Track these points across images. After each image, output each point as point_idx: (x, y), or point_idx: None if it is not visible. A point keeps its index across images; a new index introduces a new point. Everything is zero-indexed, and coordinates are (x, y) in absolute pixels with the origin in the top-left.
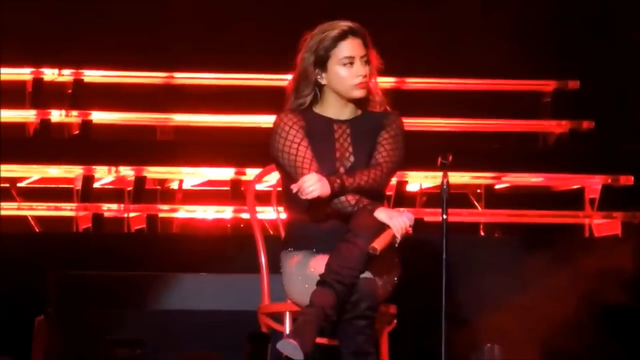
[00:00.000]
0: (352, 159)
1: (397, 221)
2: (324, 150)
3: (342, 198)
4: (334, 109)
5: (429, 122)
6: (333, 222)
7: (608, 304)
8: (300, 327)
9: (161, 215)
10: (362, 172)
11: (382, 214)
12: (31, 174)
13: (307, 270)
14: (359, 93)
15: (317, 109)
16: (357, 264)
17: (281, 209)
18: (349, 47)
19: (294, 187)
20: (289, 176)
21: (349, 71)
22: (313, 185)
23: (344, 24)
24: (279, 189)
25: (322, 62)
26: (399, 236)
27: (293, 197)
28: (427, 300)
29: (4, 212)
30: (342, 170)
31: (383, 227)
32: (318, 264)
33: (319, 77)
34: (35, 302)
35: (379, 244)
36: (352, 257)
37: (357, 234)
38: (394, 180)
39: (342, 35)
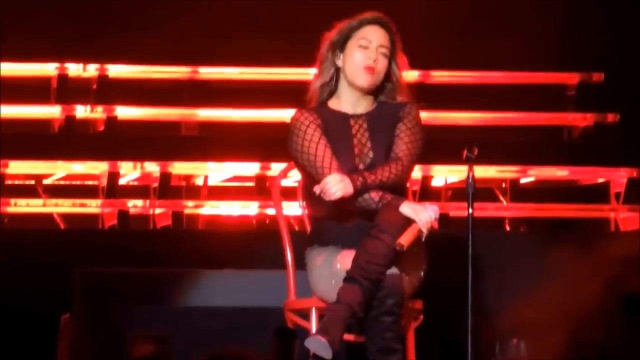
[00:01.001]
0: (371, 154)
1: (423, 215)
2: (342, 147)
3: (366, 195)
4: (349, 102)
5: (453, 115)
6: (358, 218)
7: (633, 294)
8: (328, 324)
9: (186, 211)
10: (384, 168)
11: (407, 208)
12: (56, 170)
13: (333, 267)
14: (364, 79)
15: (333, 104)
16: (384, 259)
17: (304, 205)
18: (370, 32)
19: (317, 189)
20: (309, 175)
21: (362, 53)
22: (336, 186)
23: (376, 13)
24: (302, 185)
25: (343, 42)
26: (425, 230)
27: (315, 195)
28: (453, 295)
29: (30, 209)
30: (361, 166)
31: (408, 221)
32: (344, 260)
33: (337, 58)
34: (61, 299)
35: (405, 239)
36: (379, 252)
37: (383, 229)
38: (419, 175)
39: (369, 20)
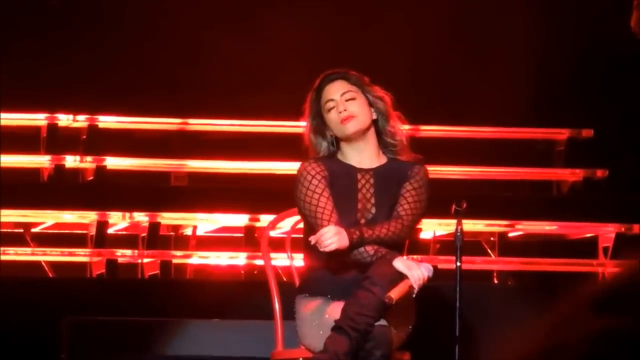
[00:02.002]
0: (373, 210)
1: (416, 272)
2: (346, 201)
3: (361, 249)
4: (353, 157)
5: (443, 169)
6: (351, 270)
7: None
8: None
9: (175, 261)
10: (382, 225)
11: (400, 264)
12: (45, 219)
13: (322, 317)
14: (348, 129)
15: (341, 157)
16: (373, 311)
17: (295, 255)
18: (329, 91)
19: (312, 239)
20: (310, 225)
21: (333, 112)
22: (331, 238)
23: (327, 73)
24: (294, 235)
25: (320, 117)
26: (416, 287)
27: (313, 246)
28: (440, 347)
29: (18, 257)
30: (363, 221)
31: (401, 276)
32: (334, 310)
33: (328, 132)
34: (49, 347)
35: (395, 293)
36: (369, 304)
37: (375, 282)
38: None
39: (321, 85)
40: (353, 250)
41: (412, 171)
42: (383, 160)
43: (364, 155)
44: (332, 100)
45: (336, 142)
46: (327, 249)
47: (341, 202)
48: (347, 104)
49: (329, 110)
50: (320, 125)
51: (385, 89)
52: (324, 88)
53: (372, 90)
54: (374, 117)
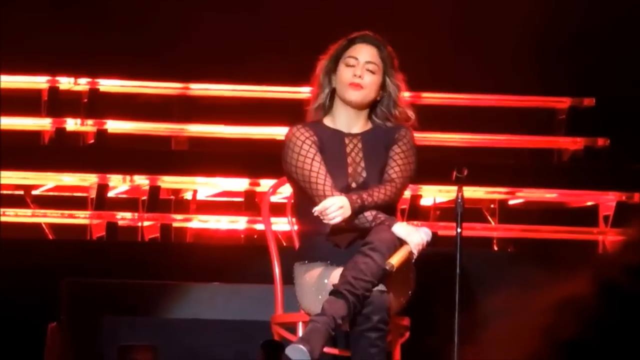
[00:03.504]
0: (364, 174)
1: (415, 237)
2: (336, 165)
3: (360, 215)
4: (343, 121)
5: (444, 137)
6: (348, 235)
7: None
8: (309, 333)
9: (175, 224)
10: (379, 189)
11: (400, 229)
12: (46, 181)
13: (321, 282)
14: (351, 95)
15: (329, 122)
16: (372, 277)
17: (295, 220)
18: (357, 49)
19: (316, 211)
20: (302, 190)
21: (348, 71)
22: (336, 212)
23: (366, 32)
24: (293, 201)
25: (335, 62)
26: (416, 252)
27: (307, 211)
28: (440, 313)
29: (18, 219)
30: (354, 185)
31: (400, 242)
32: (333, 276)
33: (332, 80)
34: (48, 309)
35: (395, 260)
36: (368, 270)
37: (375, 247)
38: (408, 194)
39: (357, 39)
40: (354, 217)
41: (399, 134)
42: (369, 125)
43: (352, 120)
44: (355, 59)
45: (330, 97)
46: (333, 222)
47: (331, 167)
48: (365, 72)
49: (347, 65)
50: (332, 70)
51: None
52: (356, 43)
53: (394, 74)
54: (379, 98)
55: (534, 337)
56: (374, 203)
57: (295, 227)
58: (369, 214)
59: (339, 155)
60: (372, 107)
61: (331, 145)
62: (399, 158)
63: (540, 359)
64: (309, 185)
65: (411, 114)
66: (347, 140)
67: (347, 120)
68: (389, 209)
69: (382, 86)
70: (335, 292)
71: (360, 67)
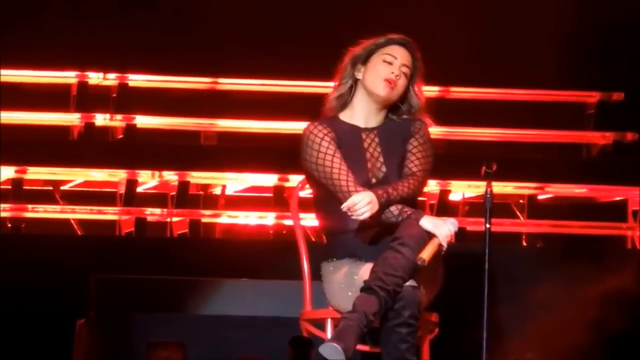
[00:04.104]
0: (383, 169)
1: (443, 229)
2: (355, 161)
3: (386, 209)
4: (362, 115)
5: (472, 131)
6: (376, 231)
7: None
8: (342, 331)
9: (204, 220)
10: (403, 183)
11: (427, 222)
12: (75, 177)
13: (350, 278)
14: (383, 89)
15: (345, 117)
16: (403, 272)
17: (317, 218)
18: (396, 50)
19: (344, 207)
20: (323, 187)
21: (386, 67)
22: (364, 207)
23: (403, 35)
24: (313, 198)
25: (367, 56)
26: (445, 244)
27: (331, 208)
28: (468, 309)
29: (47, 215)
30: (374, 180)
31: (428, 235)
32: (362, 272)
33: (357, 71)
34: (77, 305)
35: (426, 254)
36: (398, 265)
37: (404, 242)
38: (437, 189)
39: (396, 41)
40: (381, 212)
41: (415, 127)
42: (384, 119)
43: (373, 116)
44: (395, 57)
45: (351, 96)
46: (362, 217)
47: (350, 163)
48: (400, 73)
49: (384, 62)
50: (360, 63)
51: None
52: (395, 44)
53: (417, 84)
54: (398, 102)
55: (566, 331)
56: (399, 197)
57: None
58: (394, 209)
59: (357, 150)
60: (390, 108)
61: (349, 141)
62: (417, 151)
63: (567, 351)
64: (332, 182)
65: (429, 122)
66: (364, 135)
67: (365, 116)
68: (411, 202)
69: (405, 92)
70: (366, 288)
71: (398, 67)
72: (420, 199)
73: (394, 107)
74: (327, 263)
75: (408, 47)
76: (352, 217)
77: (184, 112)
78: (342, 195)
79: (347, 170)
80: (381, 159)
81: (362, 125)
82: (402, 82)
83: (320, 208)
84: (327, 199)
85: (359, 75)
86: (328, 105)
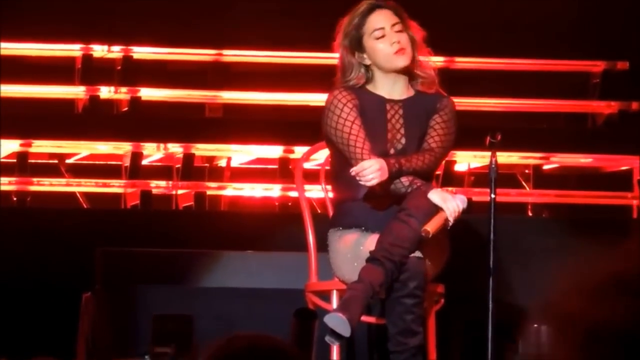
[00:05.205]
0: (403, 141)
1: (451, 204)
2: (376, 130)
3: (397, 180)
4: (385, 87)
5: (477, 101)
6: (384, 201)
7: None
8: (348, 301)
9: (209, 192)
10: (418, 156)
11: (436, 196)
12: (80, 150)
13: (357, 249)
14: (401, 61)
15: (371, 87)
16: (409, 243)
17: (329, 187)
18: (377, 19)
19: (353, 171)
20: (340, 154)
21: (384, 42)
22: (373, 173)
23: (365, 1)
24: (327, 167)
25: (358, 42)
26: (451, 219)
27: (343, 176)
28: (474, 279)
29: (52, 188)
30: (392, 151)
31: (436, 208)
32: (369, 242)
33: (360, 59)
34: (83, 278)
35: (431, 227)
36: (404, 236)
37: (411, 214)
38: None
39: (369, 10)
40: (391, 182)
41: (442, 104)
42: (411, 92)
43: (395, 87)
44: (382, 28)
45: (367, 71)
46: (369, 184)
47: (371, 132)
48: (397, 35)
49: (378, 38)
50: (355, 49)
51: (420, 21)
52: (371, 14)
53: (410, 25)
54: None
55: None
56: (412, 169)
57: (330, 194)
58: (405, 180)
59: (379, 120)
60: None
61: (372, 110)
62: (439, 128)
63: (573, 320)
64: (347, 147)
65: (432, 64)
66: (388, 107)
67: (387, 88)
68: (426, 177)
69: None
70: (372, 259)
71: (392, 34)
72: None
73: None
74: (334, 231)
75: (382, 6)
76: (360, 183)
77: (188, 84)
78: (355, 161)
79: (365, 137)
80: (402, 131)
81: (387, 96)
82: (404, 39)
83: (335, 176)
84: (343, 166)
85: (367, 62)
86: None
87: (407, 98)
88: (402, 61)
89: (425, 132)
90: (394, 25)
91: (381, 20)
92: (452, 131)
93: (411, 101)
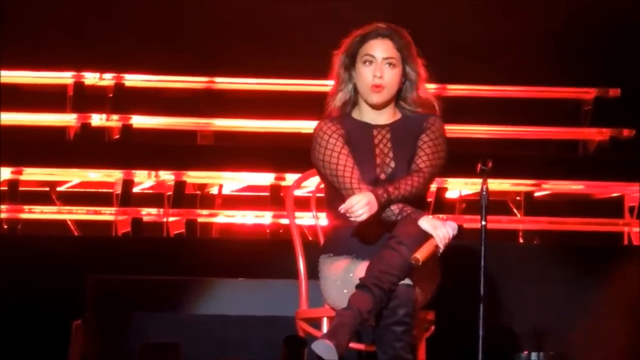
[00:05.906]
0: (392, 164)
1: (441, 231)
2: (364, 156)
3: (387, 208)
4: (370, 112)
5: (469, 129)
6: (375, 229)
7: None
8: (335, 328)
9: (200, 220)
10: (405, 181)
11: (425, 223)
12: (71, 177)
13: (346, 276)
14: (374, 97)
15: (356, 115)
16: (398, 271)
17: (320, 214)
18: (373, 46)
19: (342, 209)
20: (331, 184)
21: (367, 70)
22: (362, 208)
23: (377, 24)
24: (318, 194)
25: (352, 60)
26: (442, 246)
27: (335, 205)
28: (465, 306)
29: (44, 216)
30: (382, 176)
31: (426, 235)
32: (359, 270)
33: (352, 77)
34: (73, 305)
35: (421, 254)
36: (394, 264)
37: (401, 241)
38: (433, 187)
39: (371, 35)
40: (381, 212)
41: (428, 122)
42: (398, 116)
43: (381, 114)
44: (372, 56)
45: (355, 96)
46: (359, 219)
47: (359, 159)
48: (384, 69)
49: (365, 63)
50: (350, 65)
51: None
52: (369, 40)
53: (413, 62)
54: (402, 86)
55: (559, 327)
56: (401, 196)
57: (321, 222)
58: (395, 208)
59: (367, 146)
60: (397, 96)
61: (359, 137)
62: (427, 147)
63: (565, 347)
64: (336, 178)
65: (433, 99)
66: (375, 132)
67: (373, 114)
68: (418, 200)
69: (404, 74)
70: (361, 285)
71: (379, 65)
72: None
73: (399, 92)
74: (325, 258)
75: (384, 35)
76: (351, 219)
77: (180, 111)
78: (345, 192)
79: (353, 167)
80: (391, 155)
81: (372, 122)
82: (390, 75)
83: (329, 204)
84: (335, 196)
85: (354, 80)
86: (331, 110)
87: (394, 121)
88: (376, 98)
89: (415, 152)
90: (386, 58)
91: (376, 49)
92: (441, 149)
93: (398, 124)
